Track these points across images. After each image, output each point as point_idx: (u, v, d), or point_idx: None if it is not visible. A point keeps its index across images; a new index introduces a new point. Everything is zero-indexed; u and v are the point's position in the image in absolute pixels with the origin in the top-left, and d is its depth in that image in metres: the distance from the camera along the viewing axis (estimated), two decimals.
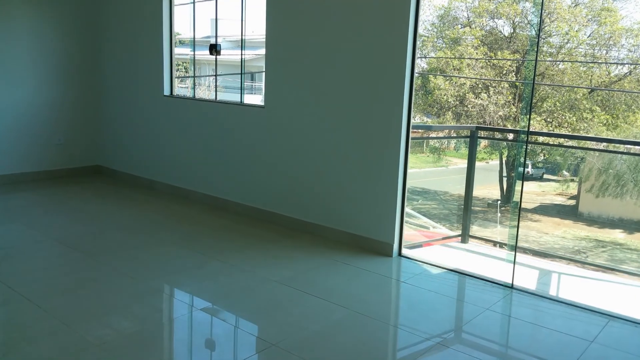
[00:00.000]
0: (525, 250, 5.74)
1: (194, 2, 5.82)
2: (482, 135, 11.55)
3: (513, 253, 3.84)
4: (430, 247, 4.95)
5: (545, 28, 12.92)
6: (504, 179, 14.05)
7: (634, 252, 11.06)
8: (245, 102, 5.36)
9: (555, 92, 13.18)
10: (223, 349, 2.92)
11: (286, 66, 4.71)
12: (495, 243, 6.10)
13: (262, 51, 4.89)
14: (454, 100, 13.72)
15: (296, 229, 4.77)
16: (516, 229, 3.84)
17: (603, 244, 11.45)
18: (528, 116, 3.98)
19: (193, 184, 5.67)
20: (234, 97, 6.36)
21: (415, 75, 4.04)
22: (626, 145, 11.60)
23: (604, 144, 12.01)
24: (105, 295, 3.41)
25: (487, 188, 13.98)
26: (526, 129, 3.83)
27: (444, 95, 13.66)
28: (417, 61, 4.06)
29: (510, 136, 12.45)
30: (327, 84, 4.44)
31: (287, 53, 4.69)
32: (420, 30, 4.29)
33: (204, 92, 14.90)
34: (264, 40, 4.81)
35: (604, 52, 13.11)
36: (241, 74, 5.82)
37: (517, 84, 13.54)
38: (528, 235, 11.38)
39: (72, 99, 6.46)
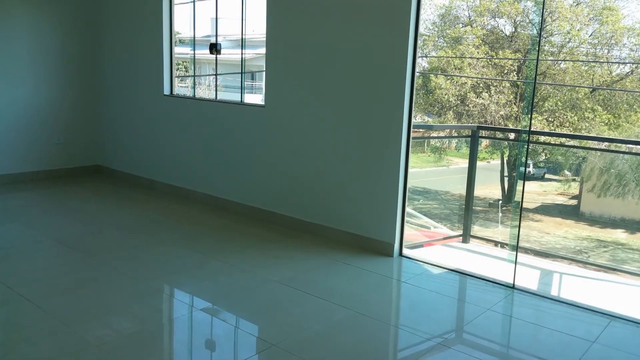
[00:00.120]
0: (527, 250, 5.73)
1: (194, 1, 5.81)
2: (484, 135, 11.50)
3: (514, 253, 3.82)
4: (431, 247, 4.94)
5: (547, 27, 12.90)
6: (505, 179, 14.03)
7: (636, 252, 11.04)
8: (245, 101, 5.34)
9: (556, 92, 13.17)
10: (223, 349, 2.90)
11: (287, 65, 4.69)
12: (496, 243, 6.07)
13: (263, 50, 4.88)
14: (455, 100, 13.70)
15: (296, 229, 4.76)
16: (517, 229, 3.83)
17: (605, 244, 11.43)
18: (529, 116, 3.97)
19: (193, 184, 5.66)
20: (234, 97, 6.34)
21: (416, 74, 4.03)
22: (628, 145, 11.57)
23: (606, 143, 11.99)
24: (105, 295, 3.40)
25: (489, 188, 13.97)
26: (527, 129, 3.82)
27: (445, 94, 13.64)
28: (418, 60, 4.05)
29: (512, 136, 12.43)
30: (327, 83, 4.42)
31: (287, 52, 4.68)
32: (421, 29, 4.27)
33: (204, 91, 14.90)
34: (264, 39, 4.80)
35: (606, 51, 13.09)
36: (241, 73, 5.82)
37: (519, 83, 13.52)
38: (529, 235, 11.36)
39: (72, 99, 6.45)
